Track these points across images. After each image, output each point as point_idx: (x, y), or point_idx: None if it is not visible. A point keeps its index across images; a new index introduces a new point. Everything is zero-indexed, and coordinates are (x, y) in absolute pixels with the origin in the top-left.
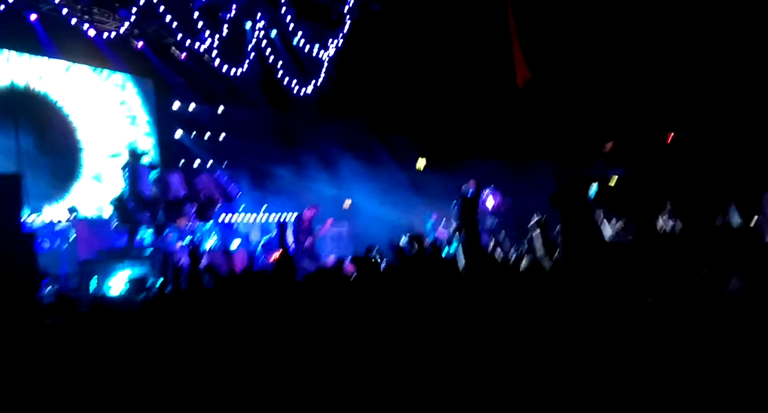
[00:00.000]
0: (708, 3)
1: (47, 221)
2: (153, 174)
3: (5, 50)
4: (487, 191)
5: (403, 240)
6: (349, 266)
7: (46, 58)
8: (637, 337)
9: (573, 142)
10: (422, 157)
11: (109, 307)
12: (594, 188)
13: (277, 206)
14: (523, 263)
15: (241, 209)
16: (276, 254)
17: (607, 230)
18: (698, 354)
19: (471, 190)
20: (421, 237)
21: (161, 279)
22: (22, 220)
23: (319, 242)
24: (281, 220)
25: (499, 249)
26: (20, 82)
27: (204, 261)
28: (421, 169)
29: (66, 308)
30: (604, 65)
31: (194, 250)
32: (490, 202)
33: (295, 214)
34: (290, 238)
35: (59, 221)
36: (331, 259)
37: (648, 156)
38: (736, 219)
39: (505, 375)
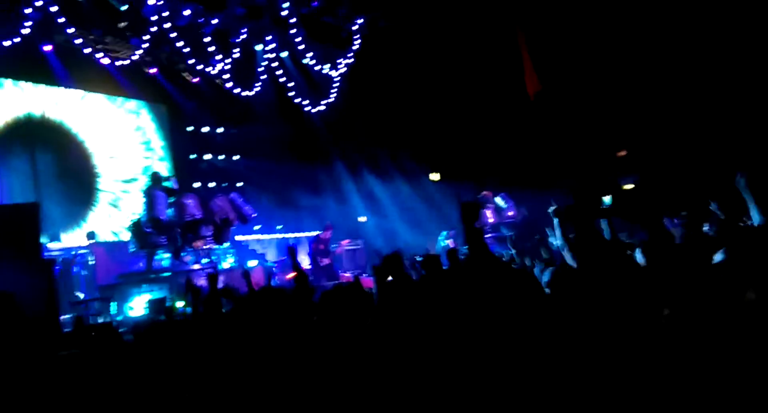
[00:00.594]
0: (714, 9)
1: (66, 247)
2: (170, 198)
3: (21, 81)
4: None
5: (419, 259)
6: (366, 281)
7: (61, 88)
8: (654, 348)
9: (586, 151)
10: (436, 172)
11: (128, 333)
12: (608, 199)
13: (293, 225)
14: (546, 275)
15: (257, 229)
16: (291, 274)
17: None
18: (715, 366)
19: (479, 197)
20: (436, 257)
21: (179, 302)
22: (41, 247)
23: (336, 260)
24: (289, 244)
25: (518, 259)
26: (36, 112)
27: (222, 282)
28: (436, 181)
29: (85, 337)
30: (614, 74)
31: (213, 275)
32: (505, 212)
33: (310, 233)
34: (306, 259)
35: (78, 247)
36: (348, 275)
37: (662, 163)
38: (756, 217)
39: (525, 386)
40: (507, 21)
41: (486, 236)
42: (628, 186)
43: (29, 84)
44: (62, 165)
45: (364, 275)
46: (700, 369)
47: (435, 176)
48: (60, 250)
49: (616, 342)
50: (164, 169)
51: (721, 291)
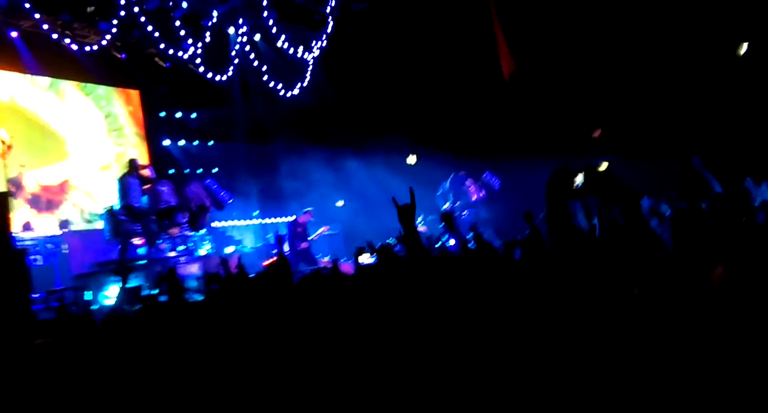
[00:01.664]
0: None
1: (39, 235)
2: (144, 185)
3: None
4: (469, 182)
5: (392, 241)
6: (344, 266)
7: (29, 74)
8: (624, 328)
9: (562, 131)
10: (413, 154)
11: (102, 319)
12: (580, 178)
13: (270, 210)
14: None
15: (233, 215)
16: (271, 260)
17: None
18: (686, 345)
19: (458, 177)
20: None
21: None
22: (12, 236)
23: (314, 245)
24: (278, 234)
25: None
26: (4, 98)
27: (200, 269)
28: (413, 164)
29: (61, 324)
30: (590, 53)
31: (171, 269)
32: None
33: (287, 218)
34: (285, 244)
35: (51, 236)
36: (326, 261)
37: (638, 142)
38: (718, 188)
39: (504, 373)
40: (482, 2)
41: (463, 213)
42: (603, 166)
43: None
44: (33, 154)
45: (341, 260)
46: (670, 353)
47: (412, 159)
48: (32, 239)
49: (585, 322)
50: (137, 156)
51: (686, 274)
